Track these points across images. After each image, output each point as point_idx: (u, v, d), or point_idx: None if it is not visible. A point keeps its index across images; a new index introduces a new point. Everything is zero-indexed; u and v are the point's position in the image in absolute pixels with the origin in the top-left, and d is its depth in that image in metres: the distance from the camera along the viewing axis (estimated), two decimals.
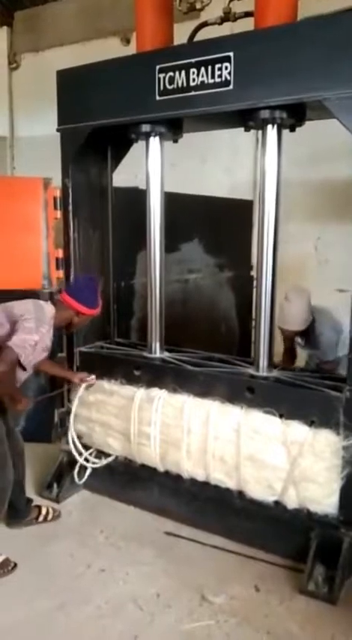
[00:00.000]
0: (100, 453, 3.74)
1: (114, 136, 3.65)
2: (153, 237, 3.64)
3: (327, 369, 3.77)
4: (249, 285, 5.34)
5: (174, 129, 3.46)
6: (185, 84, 3.09)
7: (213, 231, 5.47)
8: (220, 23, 3.40)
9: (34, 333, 2.89)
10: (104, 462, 3.73)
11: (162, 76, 3.15)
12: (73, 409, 3.67)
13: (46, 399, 4.16)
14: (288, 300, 3.83)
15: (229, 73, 2.94)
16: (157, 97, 3.19)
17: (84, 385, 3.59)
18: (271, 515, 3.11)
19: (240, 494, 3.17)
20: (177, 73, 3.10)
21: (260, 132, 3.19)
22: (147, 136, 3.47)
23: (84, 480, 3.77)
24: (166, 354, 3.68)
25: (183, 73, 3.08)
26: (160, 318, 3.71)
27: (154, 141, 3.50)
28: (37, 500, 3.62)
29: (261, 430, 3.03)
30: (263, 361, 3.29)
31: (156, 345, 3.70)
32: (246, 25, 3.12)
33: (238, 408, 3.12)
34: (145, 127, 3.39)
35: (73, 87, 3.57)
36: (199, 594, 2.87)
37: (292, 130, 3.17)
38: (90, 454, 3.76)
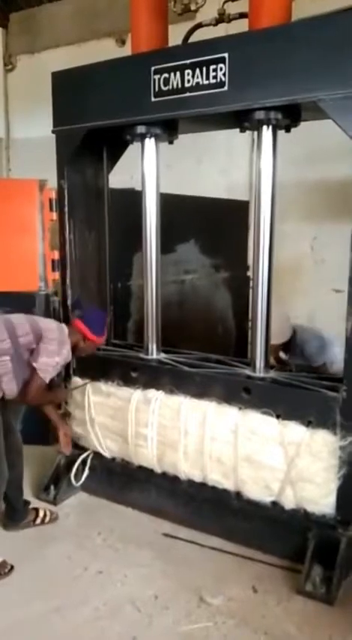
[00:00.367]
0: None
1: (110, 137, 3.65)
2: (149, 238, 3.64)
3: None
4: (246, 286, 5.33)
5: (169, 130, 3.46)
6: (180, 85, 3.09)
7: (209, 232, 5.47)
8: (215, 24, 3.40)
9: (56, 356, 3.12)
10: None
11: (157, 77, 3.15)
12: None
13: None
14: None
15: (224, 74, 2.95)
16: (152, 99, 3.19)
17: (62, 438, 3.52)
18: (268, 516, 3.12)
19: (238, 495, 3.17)
20: (172, 74, 3.10)
21: (255, 133, 3.20)
22: (142, 137, 3.47)
23: (81, 482, 3.77)
24: (163, 356, 3.68)
25: (178, 74, 3.08)
26: (157, 320, 3.71)
27: (150, 142, 3.49)
28: (35, 503, 3.62)
29: (258, 431, 3.04)
30: (259, 362, 3.29)
31: (153, 347, 3.70)
32: (241, 26, 3.12)
33: (235, 409, 3.12)
34: (141, 129, 3.39)
35: (69, 88, 3.56)
36: (197, 596, 2.86)
37: (287, 130, 3.18)
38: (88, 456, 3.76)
